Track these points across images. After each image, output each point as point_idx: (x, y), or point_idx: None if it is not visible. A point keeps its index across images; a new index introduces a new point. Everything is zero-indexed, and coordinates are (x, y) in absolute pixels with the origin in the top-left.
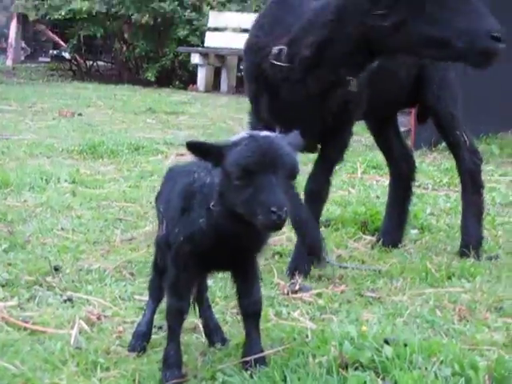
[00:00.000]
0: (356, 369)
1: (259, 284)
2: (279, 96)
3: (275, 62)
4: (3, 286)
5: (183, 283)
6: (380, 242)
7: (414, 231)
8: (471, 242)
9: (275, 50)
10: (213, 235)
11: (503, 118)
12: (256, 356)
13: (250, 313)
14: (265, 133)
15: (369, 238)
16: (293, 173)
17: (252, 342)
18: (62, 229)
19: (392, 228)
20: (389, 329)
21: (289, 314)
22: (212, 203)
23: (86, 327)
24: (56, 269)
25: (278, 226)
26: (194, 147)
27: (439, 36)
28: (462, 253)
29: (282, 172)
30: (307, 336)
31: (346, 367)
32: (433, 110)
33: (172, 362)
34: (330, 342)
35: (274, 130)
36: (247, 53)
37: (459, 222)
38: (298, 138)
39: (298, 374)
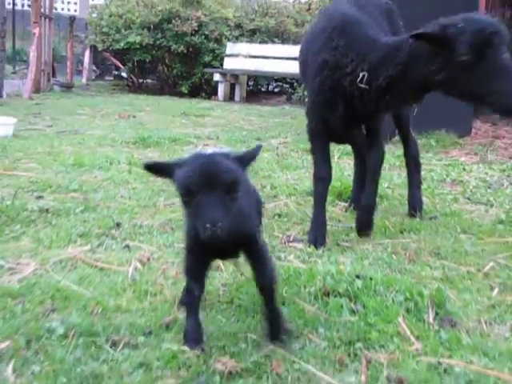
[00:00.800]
0: (335, 296)
1: (270, 263)
2: (352, 106)
3: (360, 85)
4: (80, 236)
5: (194, 267)
6: (351, 206)
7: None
8: (416, 206)
9: (361, 74)
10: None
11: (438, 120)
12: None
13: (267, 291)
14: (211, 151)
15: (343, 204)
16: (233, 188)
17: (274, 316)
18: (122, 196)
19: (358, 196)
20: (359, 268)
21: (285, 257)
22: None
23: (139, 266)
24: (117, 224)
25: (214, 239)
26: (149, 167)
27: (479, 93)
28: (410, 214)
29: (221, 188)
30: (299, 273)
31: (328, 295)
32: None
33: (190, 338)
34: (316, 277)
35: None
36: (324, 68)
37: (406, 192)
38: (255, 151)
39: (293, 299)
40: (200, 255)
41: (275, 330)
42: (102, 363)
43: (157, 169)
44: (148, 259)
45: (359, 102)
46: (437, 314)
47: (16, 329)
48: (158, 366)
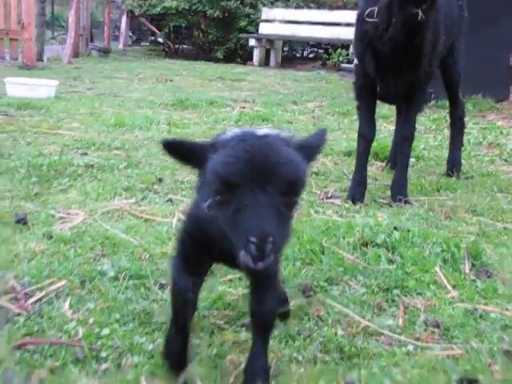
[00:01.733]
0: (373, 246)
1: (275, 292)
2: (377, 50)
3: (368, 19)
4: (125, 190)
5: (185, 262)
6: (388, 166)
7: (412, 160)
8: (455, 166)
9: (368, 10)
10: (210, 228)
11: (475, 85)
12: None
13: (258, 323)
14: (265, 131)
15: (379, 163)
16: (293, 188)
17: (258, 358)
18: (163, 154)
19: (395, 157)
20: (396, 221)
21: (324, 212)
22: (208, 202)
23: (182, 217)
24: (160, 180)
25: (257, 262)
26: (171, 147)
27: None
28: (448, 174)
29: (276, 187)
30: (338, 226)
31: (366, 245)
32: (450, 71)
33: (171, 351)
34: (354, 228)
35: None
36: (357, 22)
37: (444, 154)
38: (320, 138)
39: (332, 249)
40: (194, 249)
41: (251, 375)
42: (151, 302)
43: (181, 150)
44: None
45: (381, 42)
46: (473, 265)
47: (70, 270)
48: (204, 306)
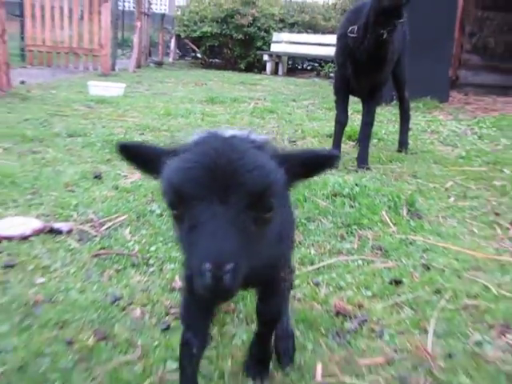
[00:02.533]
0: (340, 196)
1: (281, 294)
2: (355, 57)
3: (350, 34)
4: None
5: (193, 308)
6: (357, 144)
7: (375, 140)
8: (403, 145)
9: (351, 28)
10: None
11: (425, 90)
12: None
13: (263, 319)
14: (234, 131)
15: (352, 143)
16: (262, 200)
17: (260, 345)
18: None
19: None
20: (358, 180)
21: None
22: None
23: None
24: None
25: (217, 294)
26: (126, 151)
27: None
28: (399, 150)
29: (239, 198)
30: (317, 182)
31: (335, 195)
32: (398, 77)
33: None
34: (328, 184)
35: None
36: (339, 39)
37: (397, 137)
38: (318, 153)
39: (311, 198)
40: (201, 299)
41: (253, 358)
42: None
43: (137, 154)
44: None
45: (358, 52)
46: (409, 210)
47: (130, 209)
48: None
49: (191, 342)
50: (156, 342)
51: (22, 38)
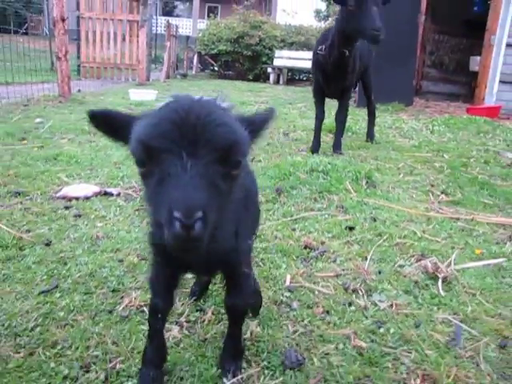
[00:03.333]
0: (317, 172)
1: (246, 287)
2: (324, 69)
3: (319, 52)
4: None
5: (158, 279)
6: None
7: (349, 133)
8: (370, 136)
9: (320, 47)
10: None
11: (393, 96)
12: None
13: (232, 313)
14: (195, 97)
15: (331, 135)
16: (228, 155)
17: (232, 340)
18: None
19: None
20: (331, 161)
21: (295, 156)
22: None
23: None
24: None
25: (186, 244)
26: (97, 119)
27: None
28: (366, 141)
29: (207, 152)
30: (300, 162)
31: (313, 171)
32: (366, 84)
33: (150, 360)
34: (308, 163)
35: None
36: (313, 55)
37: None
38: (267, 116)
39: (295, 173)
40: (167, 265)
41: (227, 354)
42: None
43: (107, 122)
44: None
45: (327, 66)
46: (367, 182)
47: None
48: None
49: (158, 306)
50: None
51: (78, 57)
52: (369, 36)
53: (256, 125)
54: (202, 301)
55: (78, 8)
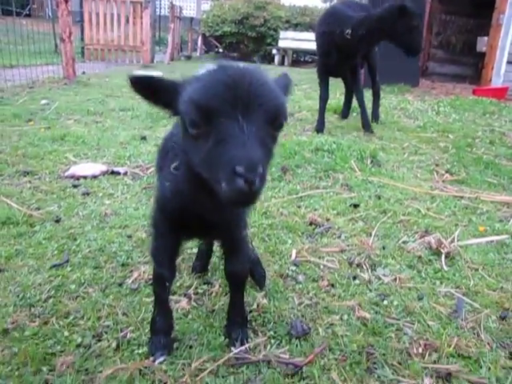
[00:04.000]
0: (322, 151)
1: (244, 252)
2: (341, 52)
3: (347, 36)
4: None
5: (161, 250)
6: (341, 117)
7: (354, 114)
8: (375, 117)
9: (347, 31)
10: (177, 202)
11: (400, 77)
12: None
13: (233, 280)
14: (241, 64)
15: (336, 116)
16: (276, 117)
17: (235, 308)
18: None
19: (345, 111)
20: (336, 140)
21: (300, 136)
22: (174, 164)
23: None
24: None
25: (246, 198)
26: (138, 84)
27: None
28: (372, 121)
29: (259, 115)
30: (305, 141)
31: (317, 150)
32: (370, 64)
33: (159, 328)
34: (313, 142)
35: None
36: (323, 34)
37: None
38: (288, 79)
39: (301, 152)
40: (172, 233)
41: (232, 323)
42: None
43: (150, 87)
44: None
45: (345, 48)
46: (372, 161)
47: None
48: None
49: (163, 276)
50: None
51: (82, 39)
52: (413, 53)
53: (283, 89)
54: (209, 274)
55: None
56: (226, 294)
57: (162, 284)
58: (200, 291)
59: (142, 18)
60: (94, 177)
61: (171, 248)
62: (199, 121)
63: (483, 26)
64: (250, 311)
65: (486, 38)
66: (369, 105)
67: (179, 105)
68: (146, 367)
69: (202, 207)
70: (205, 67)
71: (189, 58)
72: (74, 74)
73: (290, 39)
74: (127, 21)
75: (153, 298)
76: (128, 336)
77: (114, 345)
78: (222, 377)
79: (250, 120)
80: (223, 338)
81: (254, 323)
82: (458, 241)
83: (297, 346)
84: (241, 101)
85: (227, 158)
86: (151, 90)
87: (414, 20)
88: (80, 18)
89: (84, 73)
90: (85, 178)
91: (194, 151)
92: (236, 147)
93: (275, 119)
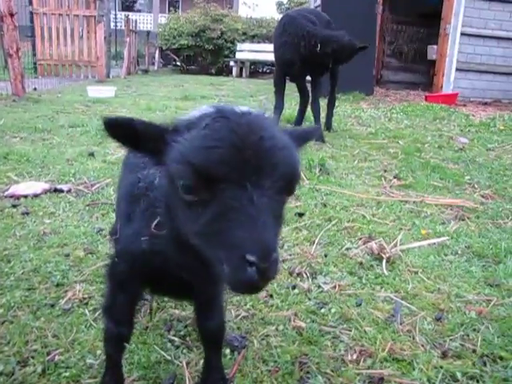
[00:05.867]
0: None
1: (221, 304)
2: (304, 62)
3: (317, 49)
4: None
5: (119, 306)
6: (294, 126)
7: (308, 123)
8: (328, 125)
9: (317, 43)
10: (152, 261)
11: (355, 85)
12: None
13: (211, 337)
14: (242, 108)
15: (289, 125)
16: (291, 183)
17: (214, 371)
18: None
19: (299, 120)
20: None
21: None
22: (155, 221)
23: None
24: None
25: (256, 287)
26: (115, 127)
27: None
28: (326, 128)
29: (272, 182)
30: None
31: None
32: (335, 76)
33: None
34: None
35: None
36: (284, 44)
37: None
38: (312, 131)
39: None
40: (135, 287)
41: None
42: None
43: (126, 130)
44: None
45: (310, 59)
46: (320, 169)
47: (113, 174)
48: None
49: (120, 335)
50: None
51: (34, 54)
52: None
53: (299, 141)
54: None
55: (30, 3)
56: (162, 309)
57: (118, 344)
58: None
59: (95, 32)
60: (36, 195)
61: (132, 303)
62: (196, 187)
63: (432, 35)
64: (185, 326)
65: (435, 47)
66: (322, 114)
67: (168, 161)
68: None
69: (184, 269)
70: (198, 110)
71: (146, 71)
72: (24, 90)
73: (247, 51)
74: (81, 36)
75: (88, 317)
76: (56, 358)
77: (39, 369)
78: None
79: (261, 188)
80: (156, 354)
81: (188, 338)
82: (400, 245)
83: (230, 358)
84: (250, 164)
85: (234, 241)
86: (130, 135)
87: (353, 56)
88: (31, 33)
89: (35, 89)
90: (25, 197)
91: (186, 218)
92: (245, 226)
93: (290, 185)
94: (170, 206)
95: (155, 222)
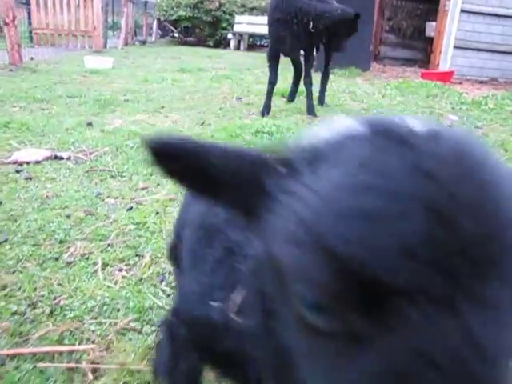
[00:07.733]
0: (262, 133)
1: None
2: (297, 39)
3: (309, 27)
4: (143, 111)
5: (181, 373)
6: (287, 100)
7: (301, 97)
8: (321, 100)
9: (311, 24)
10: (220, 337)
11: (351, 60)
12: None
13: None
14: (410, 120)
15: (283, 99)
16: None
17: None
18: (167, 95)
19: (292, 94)
20: (276, 123)
21: (244, 119)
22: (237, 298)
23: (171, 123)
24: (162, 107)
25: None
26: (165, 152)
27: None
28: (318, 103)
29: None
30: (249, 124)
31: (258, 132)
32: (328, 50)
33: None
34: (254, 125)
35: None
36: (277, 20)
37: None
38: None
39: (243, 135)
40: (191, 356)
41: None
42: None
43: (190, 159)
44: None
45: (303, 36)
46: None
47: (111, 143)
48: None
49: None
50: (122, 216)
51: (30, 23)
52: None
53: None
54: (141, 247)
55: None
56: (156, 263)
57: None
58: (131, 262)
59: (92, 1)
60: (37, 162)
61: (196, 373)
62: (340, 306)
63: (432, 11)
64: None
65: (434, 24)
66: (316, 88)
67: (269, 234)
68: (76, 328)
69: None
70: (327, 122)
71: (143, 42)
72: (21, 59)
73: (245, 23)
74: (78, 4)
75: (88, 269)
76: (61, 303)
77: (47, 311)
78: (146, 334)
79: (489, 303)
80: (149, 301)
81: None
82: None
83: None
84: (472, 247)
85: None
86: (197, 170)
87: (355, 26)
88: (26, 1)
89: (32, 58)
90: (28, 163)
91: (304, 351)
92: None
93: None
94: (266, 298)
95: (237, 299)
